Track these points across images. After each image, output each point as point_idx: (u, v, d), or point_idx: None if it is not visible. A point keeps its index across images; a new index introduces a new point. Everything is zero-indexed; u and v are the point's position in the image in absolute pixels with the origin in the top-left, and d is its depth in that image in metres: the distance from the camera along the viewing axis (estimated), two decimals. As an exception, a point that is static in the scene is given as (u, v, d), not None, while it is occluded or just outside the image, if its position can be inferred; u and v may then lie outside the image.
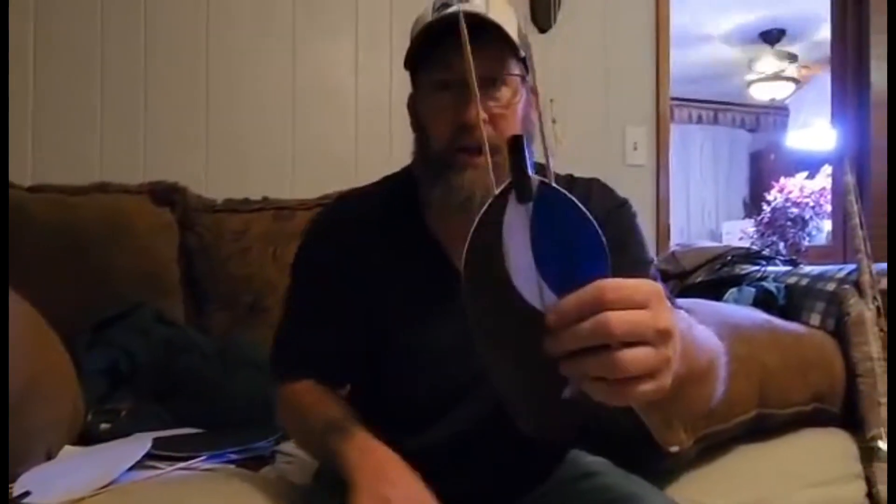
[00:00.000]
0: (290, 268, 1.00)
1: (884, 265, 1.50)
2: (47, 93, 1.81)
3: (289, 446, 1.25)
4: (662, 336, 0.46)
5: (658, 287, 0.48)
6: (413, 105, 0.93)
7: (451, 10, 0.81)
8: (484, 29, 0.80)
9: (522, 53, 0.85)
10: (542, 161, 0.93)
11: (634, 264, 0.86)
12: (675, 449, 1.15)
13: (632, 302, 0.45)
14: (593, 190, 0.94)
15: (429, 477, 0.92)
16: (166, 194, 1.70)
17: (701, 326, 0.66)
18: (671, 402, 0.57)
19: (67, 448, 1.12)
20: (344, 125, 2.05)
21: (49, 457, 1.06)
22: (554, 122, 2.20)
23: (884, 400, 1.30)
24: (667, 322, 0.47)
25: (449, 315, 0.81)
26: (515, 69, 0.86)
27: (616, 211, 0.92)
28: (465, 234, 0.48)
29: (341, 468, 0.78)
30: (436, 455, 0.91)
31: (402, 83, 0.99)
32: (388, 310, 0.91)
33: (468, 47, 0.49)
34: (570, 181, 0.96)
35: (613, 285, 0.45)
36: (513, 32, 0.84)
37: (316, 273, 0.95)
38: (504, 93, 0.84)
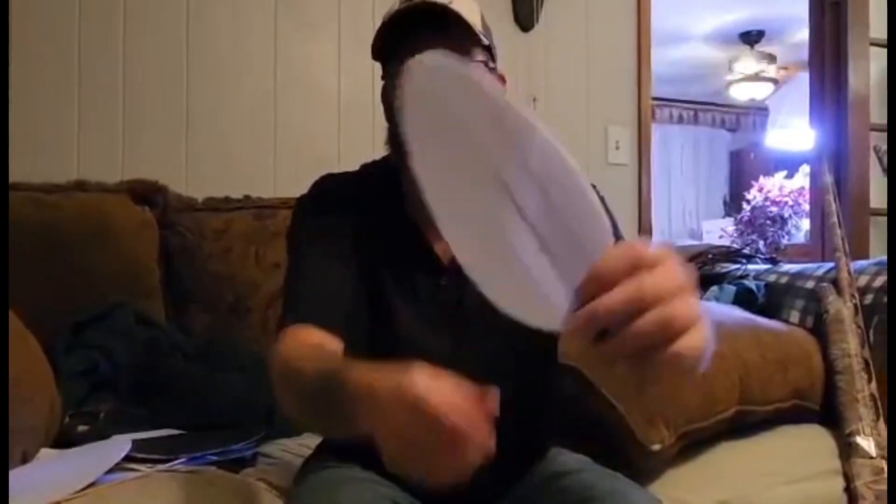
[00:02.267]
0: (287, 230, 0.99)
1: (861, 263, 1.52)
2: (23, 88, 1.78)
3: (270, 448, 1.24)
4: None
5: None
6: (386, 96, 0.95)
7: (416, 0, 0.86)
8: (447, 19, 0.85)
9: (486, 41, 0.90)
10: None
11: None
12: (656, 447, 1.16)
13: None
14: None
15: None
16: (146, 193, 1.68)
17: None
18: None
19: (44, 451, 1.11)
20: (326, 123, 2.04)
21: (25, 460, 1.04)
22: (536, 121, 2.20)
23: (861, 396, 1.31)
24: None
25: (429, 292, 0.89)
26: (479, 56, 0.90)
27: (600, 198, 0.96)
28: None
29: (352, 395, 0.63)
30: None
31: (385, 82, 0.99)
32: (372, 278, 0.93)
33: None
34: None
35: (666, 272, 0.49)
36: (476, 21, 0.89)
37: (318, 216, 0.96)
38: None
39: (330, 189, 1.00)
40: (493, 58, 0.93)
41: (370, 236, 0.94)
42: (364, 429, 0.60)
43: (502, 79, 0.98)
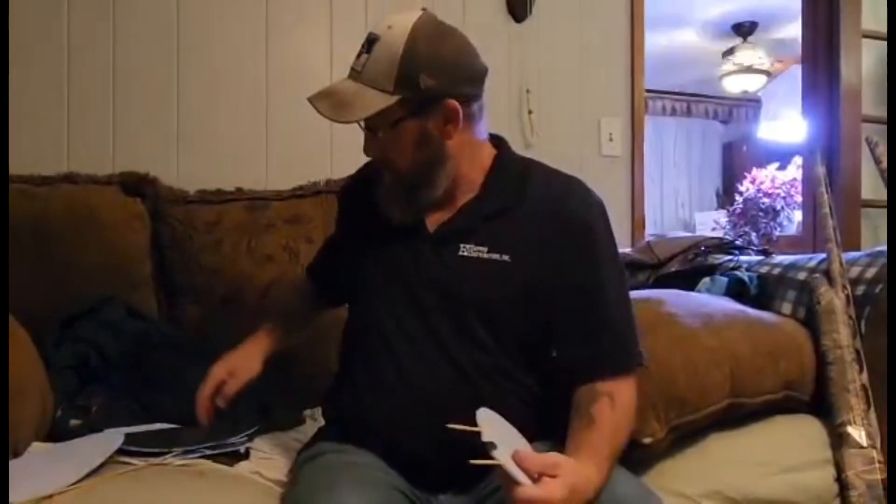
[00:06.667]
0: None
1: (853, 254, 1.53)
2: (13, 80, 1.76)
3: (264, 442, 1.24)
4: None
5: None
6: None
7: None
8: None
9: (401, 96, 0.94)
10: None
11: (608, 276, 1.01)
12: (647, 440, 1.16)
13: None
14: (571, 192, 1.03)
15: (392, 444, 0.95)
16: (137, 185, 1.67)
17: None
18: None
19: (36, 445, 1.10)
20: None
21: (17, 454, 1.04)
22: (530, 112, 2.20)
23: (852, 386, 1.32)
24: None
25: (414, 266, 1.00)
26: (397, 112, 0.96)
27: (591, 218, 1.01)
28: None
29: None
30: (397, 417, 0.96)
31: (377, 73, 0.99)
32: (367, 253, 1.06)
33: None
34: (548, 175, 1.05)
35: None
36: (390, 77, 0.95)
37: (340, 209, 1.22)
38: (388, 134, 0.98)
39: (361, 179, 1.16)
40: (431, 99, 0.95)
41: (380, 230, 1.05)
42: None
43: (452, 110, 0.97)
